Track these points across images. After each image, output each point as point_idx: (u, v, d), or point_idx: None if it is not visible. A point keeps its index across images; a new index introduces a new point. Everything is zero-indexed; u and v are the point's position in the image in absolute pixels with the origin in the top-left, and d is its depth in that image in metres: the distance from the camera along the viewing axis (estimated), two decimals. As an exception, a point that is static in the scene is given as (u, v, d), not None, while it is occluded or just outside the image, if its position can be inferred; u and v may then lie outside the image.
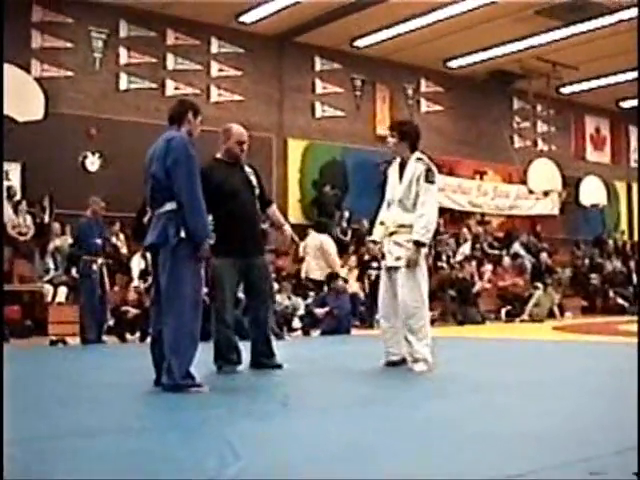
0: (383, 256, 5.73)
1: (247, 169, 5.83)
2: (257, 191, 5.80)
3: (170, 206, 4.54)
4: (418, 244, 5.44)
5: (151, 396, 4.47)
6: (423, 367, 5.42)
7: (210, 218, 5.52)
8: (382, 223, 5.79)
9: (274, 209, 6.13)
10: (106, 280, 9.23)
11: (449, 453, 2.86)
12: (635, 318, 11.84)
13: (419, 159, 5.63)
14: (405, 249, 5.51)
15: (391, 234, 5.64)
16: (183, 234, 4.47)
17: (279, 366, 5.73)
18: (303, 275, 12.44)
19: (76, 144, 13.14)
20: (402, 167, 5.67)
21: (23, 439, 3.12)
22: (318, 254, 12.03)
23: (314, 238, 12.35)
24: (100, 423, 3.60)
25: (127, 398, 4.49)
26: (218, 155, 5.82)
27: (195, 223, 4.50)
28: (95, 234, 9.10)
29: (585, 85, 18.78)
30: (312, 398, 4.47)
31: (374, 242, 5.89)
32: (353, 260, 13.35)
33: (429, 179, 5.49)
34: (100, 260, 9.10)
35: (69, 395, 4.58)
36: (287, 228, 6.07)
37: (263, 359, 5.74)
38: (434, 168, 5.64)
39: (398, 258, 5.53)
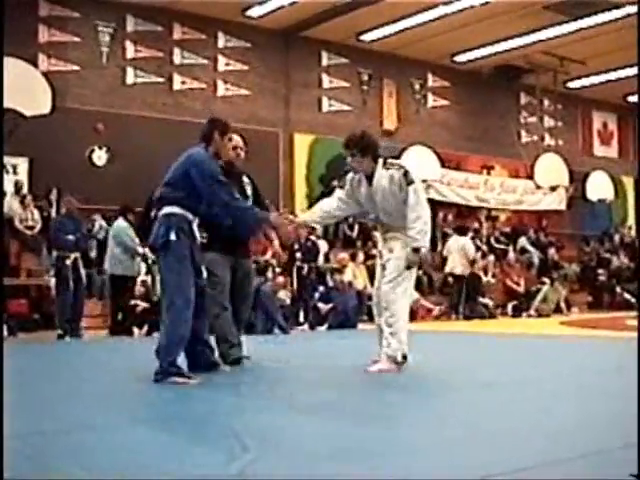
0: (381, 255, 5.58)
1: (245, 179, 5.83)
2: (249, 201, 5.77)
3: (167, 209, 4.71)
4: (417, 250, 5.15)
5: (157, 389, 4.48)
6: (382, 366, 5.10)
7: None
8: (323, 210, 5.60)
9: None
10: (82, 275, 9.36)
11: (441, 451, 2.87)
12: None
13: (388, 167, 5.19)
14: (401, 242, 5.23)
15: (386, 231, 5.48)
16: (173, 236, 4.61)
17: (246, 357, 5.68)
18: (447, 270, 14.13)
19: (83, 138, 13.18)
20: (369, 178, 5.26)
21: (27, 434, 3.12)
22: (461, 253, 13.80)
23: (456, 240, 14.10)
24: (105, 417, 3.61)
25: (132, 391, 4.50)
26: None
27: (245, 219, 4.95)
28: (69, 231, 9.28)
29: (592, 80, 18.74)
30: (312, 394, 4.46)
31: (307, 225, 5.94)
32: (360, 256, 13.33)
33: (409, 181, 5.13)
34: (74, 255, 9.25)
35: (73, 390, 4.59)
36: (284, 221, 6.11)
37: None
38: (407, 167, 5.26)
39: (391, 250, 5.28)
